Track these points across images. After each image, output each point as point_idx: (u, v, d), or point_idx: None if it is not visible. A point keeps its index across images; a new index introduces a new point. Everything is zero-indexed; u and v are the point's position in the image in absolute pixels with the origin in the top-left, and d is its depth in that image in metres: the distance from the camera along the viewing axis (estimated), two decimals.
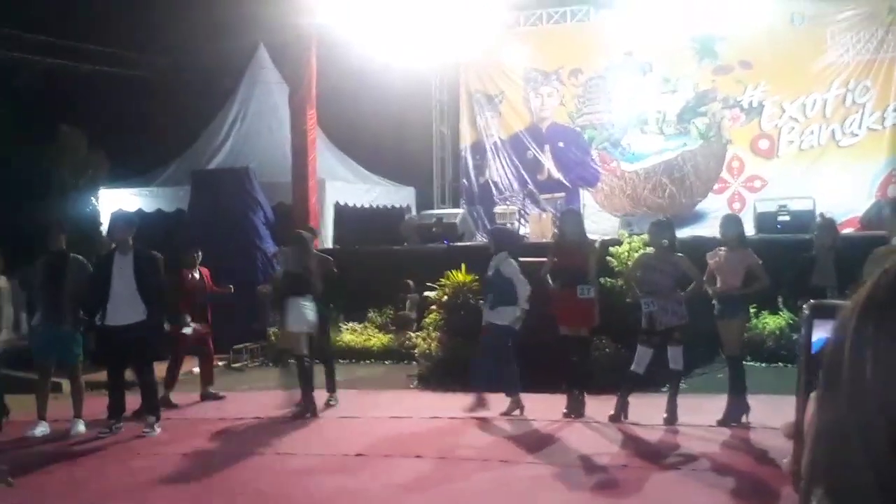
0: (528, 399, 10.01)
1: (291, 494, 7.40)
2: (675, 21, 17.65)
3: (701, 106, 17.84)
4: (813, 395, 0.86)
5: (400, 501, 7.13)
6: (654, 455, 8.28)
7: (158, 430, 9.82)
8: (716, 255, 9.38)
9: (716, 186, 17.68)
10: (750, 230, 14.81)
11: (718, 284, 9.23)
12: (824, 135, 17.00)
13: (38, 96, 21.58)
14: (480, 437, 9.23)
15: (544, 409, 10.01)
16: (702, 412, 9.34)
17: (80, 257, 10.38)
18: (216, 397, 11.47)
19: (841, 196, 15.62)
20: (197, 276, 11.75)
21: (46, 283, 10.04)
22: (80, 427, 10.00)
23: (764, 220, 14.82)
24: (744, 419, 9.13)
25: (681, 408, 9.26)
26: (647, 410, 9.46)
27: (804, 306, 1.03)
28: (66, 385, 10.94)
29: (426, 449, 8.77)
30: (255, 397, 10.83)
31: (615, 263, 12.32)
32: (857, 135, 16.79)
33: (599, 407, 9.76)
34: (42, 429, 9.98)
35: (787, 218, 14.57)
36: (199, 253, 12.05)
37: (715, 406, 9.26)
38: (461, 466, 8.19)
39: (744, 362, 9.63)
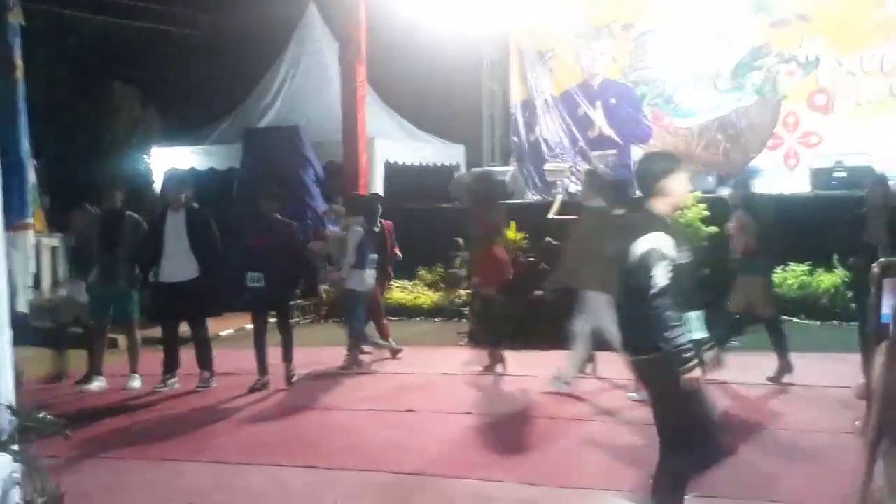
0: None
1: (341, 448, 7.48)
2: None
3: (756, 60, 17.52)
4: (881, 347, 0.84)
5: (450, 456, 7.18)
6: None
7: (214, 384, 9.97)
8: (733, 218, 9.51)
9: (771, 142, 17.39)
10: (806, 186, 14.63)
11: (739, 246, 9.31)
12: (882, 90, 16.64)
13: (91, 54, 21.77)
14: (529, 394, 9.24)
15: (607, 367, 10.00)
16: (752, 368, 9.26)
17: (136, 215, 10.50)
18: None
19: None
20: (377, 229, 11.29)
21: (102, 241, 10.19)
22: (136, 382, 10.18)
23: (819, 177, 14.60)
24: (786, 379, 9.08)
25: (732, 365, 9.17)
26: None
27: (873, 265, 1.00)
28: (122, 341, 11.12)
29: (476, 405, 8.82)
30: (308, 353, 10.90)
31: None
32: None
33: None
34: (99, 383, 10.17)
35: (843, 174, 14.33)
36: (380, 206, 11.60)
37: (767, 363, 9.21)
38: (510, 423, 8.22)
39: (796, 320, 9.56)
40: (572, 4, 19.02)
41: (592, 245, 8.40)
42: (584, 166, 17.81)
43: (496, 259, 10.34)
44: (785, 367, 9.15)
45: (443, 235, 14.20)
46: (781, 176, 16.20)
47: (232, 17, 22.71)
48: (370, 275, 10.76)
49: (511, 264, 10.68)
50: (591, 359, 9.64)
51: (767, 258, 9.50)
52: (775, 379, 9.11)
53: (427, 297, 14.37)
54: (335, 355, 10.84)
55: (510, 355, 10.36)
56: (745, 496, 5.86)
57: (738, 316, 9.36)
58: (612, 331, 8.38)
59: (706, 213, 12.12)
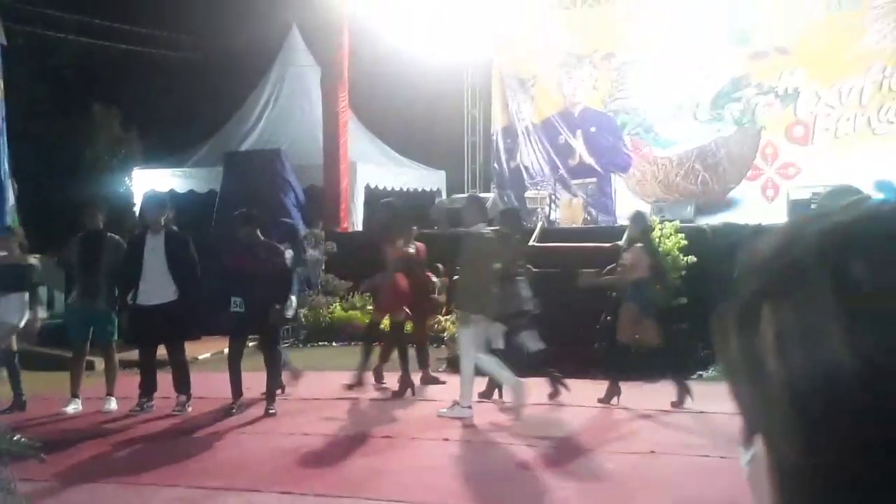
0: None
1: (318, 473, 7.45)
2: (710, 5, 17.52)
3: (735, 91, 17.66)
4: None
5: (426, 483, 7.16)
6: (683, 442, 8.26)
7: (189, 408, 9.91)
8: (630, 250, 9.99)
9: (749, 173, 17.53)
10: (784, 217, 14.72)
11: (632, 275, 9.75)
12: (860, 122, 16.80)
13: (73, 76, 21.76)
14: (505, 419, 9.24)
15: (578, 394, 10.01)
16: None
17: (117, 237, 10.48)
18: (436, 381, 11.14)
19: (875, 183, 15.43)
20: (412, 250, 11.04)
21: (83, 262, 10.14)
22: (112, 405, 10.11)
23: (797, 208, 14.68)
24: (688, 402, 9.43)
25: (709, 395, 9.21)
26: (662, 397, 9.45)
27: None
28: (99, 363, 11.05)
29: (454, 431, 8.80)
30: (286, 377, 10.87)
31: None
32: (892, 122, 16.55)
33: (633, 392, 9.78)
34: (74, 406, 10.09)
35: None
36: (415, 227, 11.44)
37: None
38: (487, 448, 8.22)
39: None
40: (554, 33, 19.14)
41: (475, 270, 9.01)
42: (564, 195, 17.92)
43: (397, 286, 10.66)
44: (684, 392, 9.48)
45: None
46: (760, 207, 16.32)
47: (215, 41, 22.76)
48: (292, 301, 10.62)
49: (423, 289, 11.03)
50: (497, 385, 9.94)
51: (658, 290, 9.85)
52: (677, 404, 9.44)
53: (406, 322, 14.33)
54: (314, 379, 10.80)
55: (481, 381, 10.35)
56: None
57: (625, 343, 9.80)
58: (467, 353, 9.14)
59: (684, 242, 12.19)
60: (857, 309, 0.65)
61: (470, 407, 9.20)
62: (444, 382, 10.99)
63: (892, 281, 0.65)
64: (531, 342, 9.91)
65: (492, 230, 9.54)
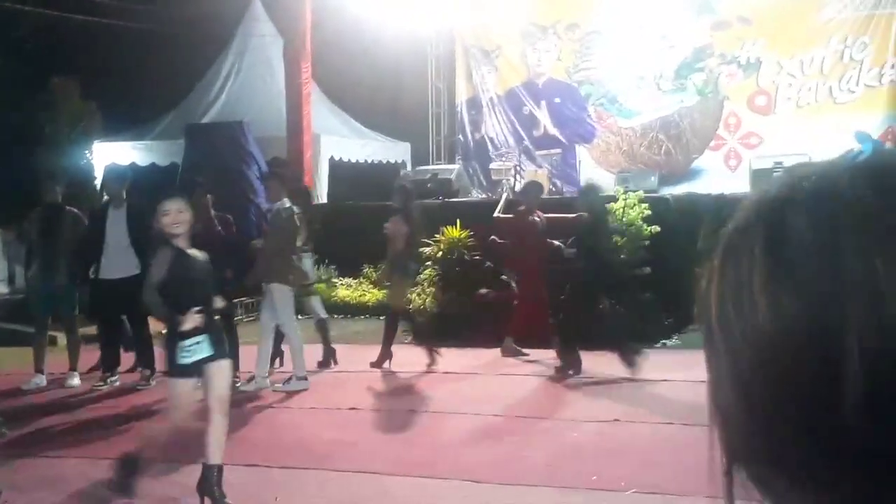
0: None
1: (283, 446, 7.46)
2: None
3: (698, 62, 17.71)
4: None
5: (391, 454, 7.18)
6: (647, 410, 8.33)
7: (154, 383, 9.86)
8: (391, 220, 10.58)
9: (712, 143, 17.61)
10: (746, 187, 14.83)
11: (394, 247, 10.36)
12: (821, 91, 16.90)
13: (31, 47, 21.43)
14: (472, 391, 9.28)
15: (541, 365, 10.07)
16: (695, 367, 9.38)
17: (76, 210, 10.38)
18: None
19: (837, 153, 15.49)
20: (537, 219, 10.69)
21: (42, 236, 10.04)
22: (75, 380, 10.05)
23: (759, 177, 14.78)
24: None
25: (673, 363, 9.30)
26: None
27: None
28: (61, 338, 10.97)
29: (419, 403, 8.83)
30: (250, 351, 10.83)
31: (610, 220, 12.32)
32: (854, 92, 16.70)
33: (595, 363, 9.83)
34: (37, 381, 10.02)
35: None
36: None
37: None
38: (452, 420, 8.25)
39: None
40: (517, 3, 19.08)
41: (281, 243, 9.41)
42: (529, 166, 17.92)
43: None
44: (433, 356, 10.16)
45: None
46: (722, 176, 16.41)
47: (175, 11, 22.47)
48: None
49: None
50: (279, 353, 10.27)
51: (414, 261, 10.52)
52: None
53: (372, 294, 14.33)
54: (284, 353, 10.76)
55: (454, 353, 10.39)
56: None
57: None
58: (291, 325, 9.52)
59: (648, 212, 12.23)
60: (780, 268, 0.65)
61: (306, 378, 9.51)
62: (526, 354, 10.75)
63: (821, 240, 0.65)
64: (319, 310, 10.80)
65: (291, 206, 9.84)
